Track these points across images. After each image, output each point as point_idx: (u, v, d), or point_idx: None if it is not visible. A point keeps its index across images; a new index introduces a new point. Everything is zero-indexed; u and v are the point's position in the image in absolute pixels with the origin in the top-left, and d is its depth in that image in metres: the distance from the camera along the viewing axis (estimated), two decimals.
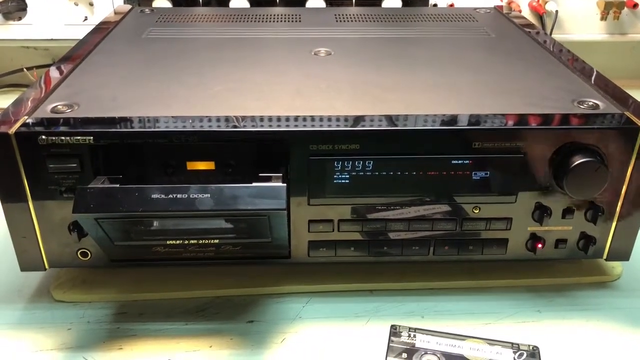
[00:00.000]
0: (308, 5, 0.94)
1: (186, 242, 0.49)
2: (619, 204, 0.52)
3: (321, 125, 0.49)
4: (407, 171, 0.51)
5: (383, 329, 0.52)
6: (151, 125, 0.49)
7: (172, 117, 0.50)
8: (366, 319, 0.53)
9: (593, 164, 0.49)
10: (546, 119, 0.51)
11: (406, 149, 0.50)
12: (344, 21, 0.81)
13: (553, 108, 0.53)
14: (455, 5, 0.95)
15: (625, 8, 0.96)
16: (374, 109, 0.52)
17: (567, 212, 0.53)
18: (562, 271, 0.59)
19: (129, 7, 0.88)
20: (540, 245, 0.54)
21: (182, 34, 0.75)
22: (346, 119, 0.50)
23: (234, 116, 0.50)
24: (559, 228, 0.54)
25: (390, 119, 0.50)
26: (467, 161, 0.51)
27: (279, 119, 0.50)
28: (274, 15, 0.83)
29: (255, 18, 0.82)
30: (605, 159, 0.50)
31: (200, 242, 0.49)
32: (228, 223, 0.48)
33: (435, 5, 0.95)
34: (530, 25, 0.80)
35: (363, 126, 0.49)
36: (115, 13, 0.86)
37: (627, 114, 0.51)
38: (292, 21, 0.81)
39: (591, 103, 0.54)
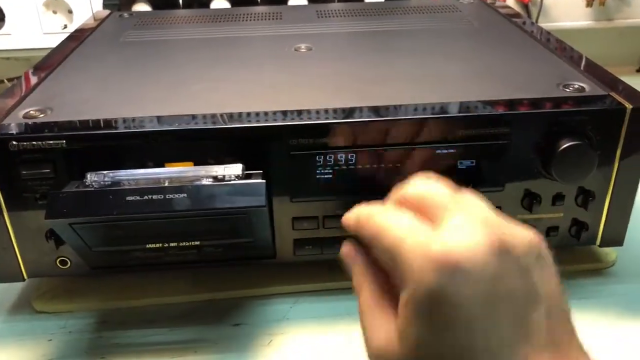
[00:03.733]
0: (290, 3, 0.93)
1: (166, 245, 0.48)
2: (610, 187, 0.51)
3: (302, 119, 0.48)
4: (391, 163, 0.50)
5: None
6: (126, 126, 0.48)
7: (147, 117, 0.49)
8: (356, 317, 0.52)
9: (580, 147, 0.48)
10: (530, 103, 0.49)
11: (389, 140, 0.49)
12: (326, 17, 0.80)
13: (538, 92, 0.51)
14: None
15: None
16: (355, 101, 0.51)
17: (557, 198, 0.52)
18: (555, 259, 0.57)
19: (107, 12, 0.86)
20: None
21: (161, 36, 0.73)
22: (326, 111, 0.49)
23: (212, 114, 0.49)
24: (550, 215, 0.52)
25: (371, 110, 0.49)
26: (451, 150, 0.49)
27: (257, 114, 0.49)
28: (255, 14, 0.82)
29: (236, 17, 0.81)
30: (594, 142, 0.49)
31: (181, 244, 0.48)
32: (207, 224, 0.46)
33: None
34: (515, 15, 0.79)
35: (344, 118, 0.48)
36: (95, 19, 0.84)
37: (613, 95, 0.50)
38: (273, 19, 0.80)
39: (577, 86, 0.52)
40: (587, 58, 0.60)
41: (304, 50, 0.65)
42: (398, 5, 0.85)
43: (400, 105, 0.50)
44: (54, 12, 0.95)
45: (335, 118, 0.48)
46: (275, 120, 0.48)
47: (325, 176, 0.50)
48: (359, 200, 0.50)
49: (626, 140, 0.49)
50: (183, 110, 0.50)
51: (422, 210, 0.33)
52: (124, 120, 0.48)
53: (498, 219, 0.31)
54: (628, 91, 0.51)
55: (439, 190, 0.34)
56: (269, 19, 0.80)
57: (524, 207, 0.52)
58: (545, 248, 0.32)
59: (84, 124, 0.48)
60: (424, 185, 0.35)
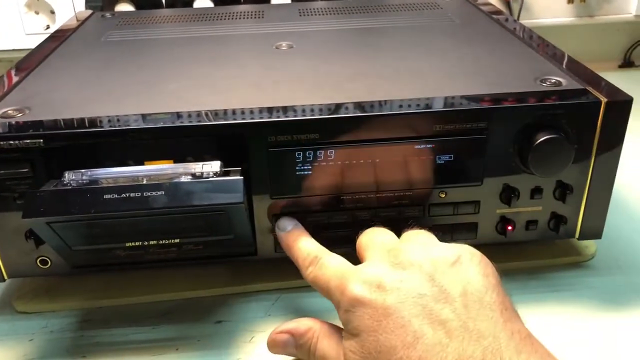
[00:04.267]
0: (273, 1, 0.93)
1: (146, 243, 0.47)
2: (587, 180, 0.52)
3: (280, 116, 0.48)
4: (370, 158, 0.50)
5: None
6: (105, 124, 0.48)
7: (127, 115, 0.49)
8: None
9: (556, 140, 0.48)
10: (507, 98, 0.50)
11: (367, 135, 0.49)
12: (308, 15, 0.80)
13: (515, 87, 0.52)
14: None
15: None
16: (334, 97, 0.51)
17: (535, 192, 0.52)
18: (536, 253, 0.58)
19: (89, 12, 0.86)
20: (510, 228, 0.53)
21: (142, 35, 0.73)
22: (303, 109, 0.49)
23: (192, 112, 0.49)
24: (529, 209, 0.53)
25: (350, 106, 0.49)
26: (429, 145, 0.50)
27: (234, 112, 0.49)
28: (237, 12, 0.82)
29: (218, 16, 0.81)
30: (570, 136, 0.49)
31: (161, 242, 0.48)
32: (186, 221, 0.46)
33: None
34: (497, 11, 0.80)
35: (321, 115, 0.48)
36: (77, 19, 0.84)
37: (589, 89, 0.51)
38: (255, 17, 0.80)
39: (554, 80, 0.53)
40: (566, 54, 0.61)
41: (285, 48, 0.65)
42: (380, 3, 0.85)
43: (378, 102, 0.50)
44: (36, 13, 0.94)
45: (311, 114, 0.48)
46: (252, 117, 0.48)
47: (305, 173, 0.50)
48: (339, 196, 0.51)
49: (602, 134, 0.49)
50: (162, 108, 0.50)
51: (361, 255, 0.46)
52: (103, 118, 0.48)
53: (400, 249, 0.42)
54: (604, 86, 0.52)
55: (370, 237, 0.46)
56: (251, 18, 0.80)
57: (503, 202, 0.52)
58: (467, 259, 0.40)
59: (62, 123, 0.48)
60: (365, 236, 0.47)
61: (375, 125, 0.49)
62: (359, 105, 0.49)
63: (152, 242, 0.47)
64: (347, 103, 0.50)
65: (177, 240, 0.48)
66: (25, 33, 0.93)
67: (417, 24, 0.73)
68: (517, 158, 0.50)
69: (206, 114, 0.48)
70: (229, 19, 0.80)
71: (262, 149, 0.48)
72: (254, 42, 0.69)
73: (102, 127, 0.47)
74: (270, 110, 0.49)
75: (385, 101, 0.50)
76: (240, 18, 0.80)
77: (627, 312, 0.51)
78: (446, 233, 0.53)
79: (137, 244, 0.47)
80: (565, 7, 0.97)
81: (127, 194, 0.43)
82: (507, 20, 0.75)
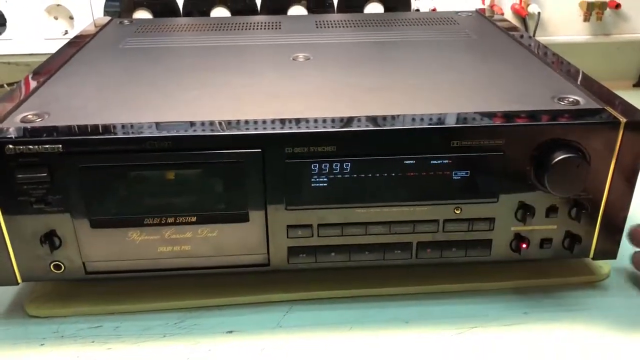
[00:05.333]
0: (290, 13, 0.93)
1: (163, 221, 0.49)
2: (603, 201, 0.51)
3: (298, 128, 0.48)
4: (386, 172, 0.50)
5: (367, 336, 0.50)
6: (123, 132, 0.48)
7: (145, 123, 0.49)
8: (349, 326, 0.52)
9: (574, 160, 0.48)
10: (525, 115, 0.50)
11: (384, 149, 0.49)
12: (325, 27, 0.80)
13: (532, 105, 0.52)
14: (438, 10, 0.94)
15: (608, 9, 0.95)
16: (351, 110, 0.51)
17: (550, 210, 0.52)
18: (550, 272, 0.57)
19: (108, 19, 0.87)
20: (524, 246, 0.53)
21: (160, 43, 0.74)
22: (324, 120, 0.49)
23: (210, 121, 0.49)
24: (543, 227, 0.53)
25: (367, 119, 0.49)
26: (446, 161, 0.50)
27: (255, 122, 0.49)
28: (254, 23, 0.83)
29: (235, 26, 0.81)
30: (587, 155, 0.49)
31: (179, 219, 0.49)
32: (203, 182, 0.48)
33: (417, 10, 0.95)
34: (513, 28, 0.80)
35: (339, 127, 0.48)
36: (95, 26, 0.85)
37: (608, 109, 0.51)
38: (272, 28, 0.80)
39: (572, 99, 0.53)
40: (582, 72, 0.61)
41: (302, 60, 0.66)
42: (397, 16, 0.85)
43: (396, 116, 0.50)
44: (55, 18, 0.95)
45: (330, 127, 0.48)
46: (273, 128, 0.48)
47: (320, 184, 0.50)
48: (354, 209, 0.51)
49: (619, 154, 0.49)
50: (179, 116, 0.50)
51: None
52: (122, 125, 0.49)
53: None
54: (623, 105, 0.52)
55: None
56: (268, 29, 0.80)
57: (518, 219, 0.52)
58: None
59: (81, 129, 0.48)
60: None
61: (391, 139, 0.49)
62: (377, 119, 0.49)
63: (170, 220, 0.50)
64: (365, 117, 0.50)
65: (194, 219, 0.50)
66: (44, 38, 0.94)
67: (433, 39, 0.73)
68: (533, 176, 0.50)
69: (227, 124, 0.49)
70: (246, 29, 0.80)
71: (279, 160, 0.48)
72: (271, 53, 0.69)
73: (121, 134, 0.48)
74: (287, 121, 0.49)
75: (403, 116, 0.50)
76: (257, 28, 0.80)
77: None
78: (460, 249, 0.53)
79: (155, 220, 0.50)
80: (582, 25, 0.97)
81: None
82: (522, 37, 0.75)
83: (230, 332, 0.51)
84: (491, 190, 0.51)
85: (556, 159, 0.48)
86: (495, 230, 0.53)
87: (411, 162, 0.50)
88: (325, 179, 0.50)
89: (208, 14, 0.93)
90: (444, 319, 0.53)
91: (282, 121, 0.49)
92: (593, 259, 0.54)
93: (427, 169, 0.50)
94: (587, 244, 0.53)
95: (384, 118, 0.50)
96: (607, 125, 0.49)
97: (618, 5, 0.95)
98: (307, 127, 0.48)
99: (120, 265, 0.52)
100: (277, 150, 0.48)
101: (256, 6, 0.93)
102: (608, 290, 0.56)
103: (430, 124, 0.49)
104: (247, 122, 0.49)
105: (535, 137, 0.49)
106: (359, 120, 0.49)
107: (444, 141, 0.49)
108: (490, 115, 0.50)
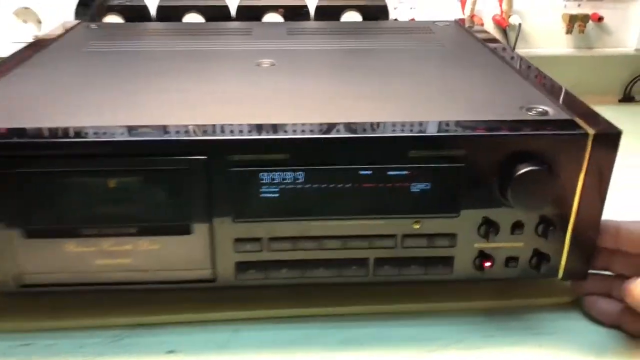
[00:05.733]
0: (265, 20, 0.91)
1: (102, 232, 0.46)
2: (572, 217, 0.48)
3: (248, 134, 0.45)
4: (341, 183, 0.47)
5: (320, 359, 0.47)
6: (63, 135, 0.45)
7: (81, 126, 0.46)
8: (300, 348, 0.49)
9: (538, 173, 0.45)
10: (488, 125, 0.47)
11: (339, 158, 0.46)
12: (296, 34, 0.78)
13: (498, 114, 0.49)
14: (417, 20, 0.92)
15: (590, 21, 0.93)
16: (307, 117, 0.48)
17: (516, 227, 0.49)
18: (517, 292, 0.54)
19: (76, 22, 0.84)
20: (488, 264, 0.50)
21: (124, 47, 0.71)
22: (274, 126, 0.46)
23: (156, 125, 0.46)
24: (509, 244, 0.50)
25: (321, 126, 0.46)
26: (404, 172, 0.47)
27: (200, 127, 0.46)
28: (224, 29, 0.80)
29: (204, 32, 0.79)
30: (554, 168, 0.46)
31: (118, 231, 0.47)
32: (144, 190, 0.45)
33: (395, 20, 0.92)
34: (492, 39, 0.77)
35: (291, 134, 0.45)
36: (63, 29, 0.82)
37: (577, 120, 0.48)
38: (242, 35, 0.78)
39: (540, 109, 0.50)
40: (557, 83, 0.58)
41: (266, 66, 0.63)
42: (372, 25, 0.83)
43: (352, 123, 0.47)
44: (24, 22, 0.93)
45: (282, 134, 0.45)
46: (217, 134, 0.45)
47: (271, 195, 0.47)
48: (307, 222, 0.48)
49: (589, 168, 0.46)
50: (123, 121, 0.47)
51: None
52: (61, 129, 0.46)
53: None
54: (594, 117, 0.49)
55: None
56: (238, 35, 0.78)
57: (481, 235, 0.49)
58: None
59: (17, 132, 0.45)
60: None
61: (344, 147, 0.46)
62: (328, 126, 0.46)
63: (108, 231, 0.47)
64: (316, 124, 0.47)
65: (134, 230, 0.46)
66: (11, 42, 0.91)
67: (403, 47, 0.71)
68: (497, 190, 0.47)
69: (163, 129, 0.45)
70: (214, 34, 0.77)
71: (224, 168, 0.45)
72: (235, 59, 0.66)
73: (54, 137, 0.45)
74: (234, 127, 0.46)
75: (356, 123, 0.47)
76: (227, 34, 0.78)
77: (611, 359, 0.48)
78: (420, 266, 0.50)
79: (92, 232, 0.47)
80: (564, 37, 0.95)
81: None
82: (498, 47, 0.72)
83: (172, 352, 0.48)
84: (452, 204, 0.48)
85: (519, 172, 0.45)
86: (457, 247, 0.49)
87: (367, 172, 0.47)
88: (276, 190, 0.47)
89: (181, 20, 0.90)
90: (401, 341, 0.49)
91: (230, 127, 0.46)
92: (562, 279, 0.51)
93: (384, 180, 0.47)
94: (556, 263, 0.50)
95: (339, 125, 0.47)
96: (575, 137, 0.46)
97: (601, 19, 0.93)
98: (259, 134, 0.45)
99: (57, 278, 0.49)
100: (223, 157, 0.45)
101: (230, 13, 0.90)
102: (578, 313, 0.53)
103: (386, 133, 0.46)
104: (191, 127, 0.46)
105: (498, 148, 0.46)
106: (313, 127, 0.47)
107: (401, 151, 0.46)
108: (451, 124, 0.47)
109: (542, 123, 0.47)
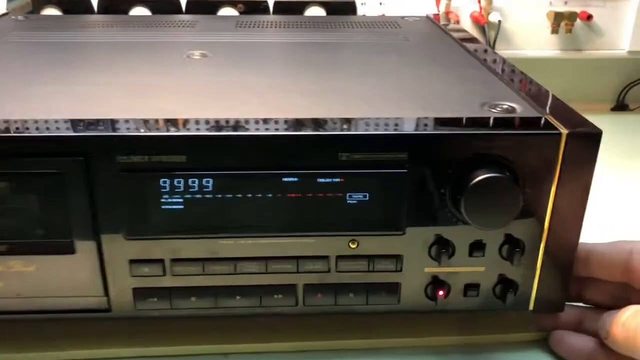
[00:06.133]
0: (220, 14, 0.83)
1: None
2: (544, 235, 0.40)
3: (146, 129, 0.37)
4: (260, 192, 0.38)
5: None
6: None
7: None
8: None
9: (499, 181, 0.36)
10: (435, 122, 0.38)
11: (255, 162, 0.37)
12: (244, 27, 0.69)
13: (454, 112, 0.40)
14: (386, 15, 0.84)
15: (578, 20, 0.85)
16: (224, 112, 0.40)
17: (475, 247, 0.40)
18: (480, 326, 0.45)
19: (3, 12, 0.76)
20: (441, 293, 0.41)
21: (46, 38, 0.63)
22: (172, 122, 0.38)
23: (28, 120, 0.37)
24: (467, 269, 0.41)
25: (236, 123, 0.38)
26: (336, 179, 0.38)
27: (81, 122, 0.37)
28: (167, 22, 0.72)
29: (144, 24, 0.70)
30: (519, 176, 0.38)
31: None
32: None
33: (363, 15, 0.84)
34: (467, 36, 0.69)
35: (187, 130, 0.37)
36: None
37: (549, 117, 0.39)
38: (185, 27, 0.69)
39: (506, 107, 0.41)
40: (533, 81, 0.49)
41: (197, 57, 0.55)
42: (334, 20, 0.75)
43: (272, 120, 0.38)
44: None
45: (175, 130, 0.37)
46: (101, 129, 0.36)
47: (173, 207, 0.38)
48: (218, 240, 0.39)
49: (562, 174, 0.38)
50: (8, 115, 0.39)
51: None
52: None
53: None
54: (569, 116, 0.40)
55: None
56: (180, 27, 0.69)
57: (433, 258, 0.40)
58: None
59: None
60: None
61: (261, 148, 0.37)
62: (243, 122, 0.38)
63: None
64: (231, 119, 0.38)
65: None
66: None
67: (360, 41, 0.63)
68: (449, 202, 0.38)
69: (34, 124, 0.37)
70: (154, 27, 0.69)
71: (111, 172, 0.37)
72: (165, 51, 0.58)
73: None
74: (121, 122, 0.37)
75: (276, 120, 0.38)
76: (167, 27, 0.69)
77: None
78: (359, 294, 0.41)
79: None
80: (549, 37, 0.87)
81: None
82: (475, 44, 0.64)
83: None
84: (395, 219, 0.39)
85: (474, 180, 0.36)
86: (404, 271, 0.40)
87: (292, 179, 0.38)
88: (180, 200, 0.38)
89: (126, 13, 0.82)
90: None
91: (113, 122, 0.37)
92: (534, 311, 0.42)
93: (312, 189, 0.38)
94: (526, 292, 0.41)
95: (255, 122, 0.38)
96: (545, 137, 0.37)
97: (590, 17, 0.85)
98: (158, 130, 0.37)
99: None
100: (107, 158, 0.36)
101: (181, 6, 0.82)
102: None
103: (308, 131, 0.37)
104: (72, 122, 0.37)
105: (449, 150, 0.37)
106: (228, 123, 0.38)
107: (329, 153, 0.37)
108: (391, 122, 0.38)
109: (505, 121, 0.39)
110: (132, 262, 0.39)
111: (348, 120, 0.38)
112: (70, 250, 0.38)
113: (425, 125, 0.38)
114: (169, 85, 0.46)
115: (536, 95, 0.45)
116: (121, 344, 0.43)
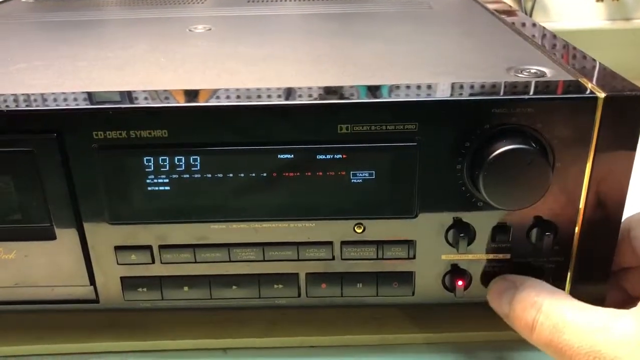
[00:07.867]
0: None
1: None
2: (579, 217, 0.34)
3: (128, 102, 0.33)
4: (254, 172, 0.34)
5: None
6: None
7: None
8: None
9: (524, 153, 0.31)
10: (450, 88, 0.33)
11: (246, 137, 0.33)
12: (259, 1, 0.66)
13: (473, 77, 0.35)
14: None
15: None
16: (217, 82, 0.36)
17: (498, 231, 0.35)
18: (495, 321, 0.40)
19: None
20: (461, 283, 0.36)
21: (53, 17, 0.60)
22: (155, 92, 0.34)
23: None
24: (490, 256, 0.36)
25: (225, 92, 0.34)
26: (338, 155, 0.34)
27: (54, 95, 0.34)
28: None
29: (156, 1, 0.67)
30: (547, 148, 0.32)
31: None
32: None
33: None
34: (508, 11, 0.63)
35: (180, 102, 0.33)
36: None
37: (582, 80, 0.34)
38: (195, 2, 0.66)
39: (534, 71, 0.36)
40: (569, 44, 0.44)
41: (200, 31, 0.51)
42: None
43: (264, 89, 0.34)
44: None
45: (152, 101, 0.33)
46: (73, 103, 0.33)
47: (160, 188, 0.35)
48: (210, 224, 0.35)
49: (599, 146, 0.32)
50: None
51: None
52: None
53: None
54: (609, 77, 0.35)
55: None
56: (190, 2, 0.66)
57: (450, 243, 0.35)
58: None
59: None
60: None
61: (258, 123, 0.33)
62: (232, 92, 0.34)
63: None
64: (220, 89, 0.34)
65: None
66: None
67: (380, 10, 0.58)
68: (467, 179, 0.33)
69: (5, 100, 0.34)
70: (165, 3, 0.66)
71: (88, 150, 0.33)
72: (168, 25, 0.55)
73: None
74: (97, 95, 0.34)
75: (269, 89, 0.34)
76: (179, 3, 0.66)
77: None
78: (369, 285, 0.37)
79: None
80: (594, 6, 0.80)
81: None
82: (505, 13, 0.58)
83: None
84: (406, 200, 0.34)
85: (495, 153, 0.31)
86: (418, 259, 0.36)
87: (288, 156, 0.34)
88: (166, 180, 0.34)
89: None
90: None
91: (91, 95, 0.34)
92: None
93: (312, 167, 0.34)
94: (559, 283, 0.36)
95: (241, 90, 0.34)
96: (577, 102, 0.32)
97: None
98: (126, 102, 0.33)
99: None
100: (82, 135, 0.33)
101: None
102: None
103: (304, 100, 0.33)
104: (43, 96, 0.34)
105: (465, 119, 0.32)
106: (216, 93, 0.34)
107: (329, 126, 0.33)
108: (402, 88, 0.34)
109: (530, 86, 0.34)
110: (118, 248, 0.36)
111: (349, 87, 0.34)
112: (51, 235, 0.35)
113: (438, 90, 0.33)
114: (158, 58, 0.43)
115: (572, 59, 0.39)
116: (116, 337, 0.40)
